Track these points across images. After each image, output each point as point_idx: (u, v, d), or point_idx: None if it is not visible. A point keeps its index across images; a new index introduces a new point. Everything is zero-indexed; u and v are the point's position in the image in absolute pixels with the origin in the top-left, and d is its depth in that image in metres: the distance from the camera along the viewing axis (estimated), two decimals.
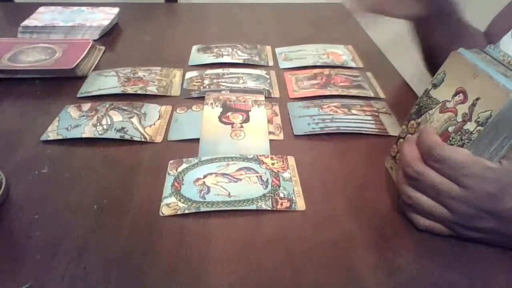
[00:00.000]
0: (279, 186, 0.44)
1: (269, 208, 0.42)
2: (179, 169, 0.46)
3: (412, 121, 0.44)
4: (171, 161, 0.48)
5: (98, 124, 0.53)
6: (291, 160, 0.48)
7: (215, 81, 0.65)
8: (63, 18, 0.83)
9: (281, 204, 0.42)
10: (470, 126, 0.36)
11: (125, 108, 0.57)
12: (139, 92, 0.61)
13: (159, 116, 0.56)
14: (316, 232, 0.39)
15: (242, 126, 0.54)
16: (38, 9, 0.87)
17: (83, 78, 0.65)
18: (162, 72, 0.67)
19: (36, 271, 0.35)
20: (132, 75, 0.66)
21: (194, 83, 0.65)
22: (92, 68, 0.69)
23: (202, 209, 0.41)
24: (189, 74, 0.68)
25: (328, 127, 0.54)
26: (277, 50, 0.78)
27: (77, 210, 0.41)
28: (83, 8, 0.88)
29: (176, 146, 0.51)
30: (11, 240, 0.38)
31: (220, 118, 0.56)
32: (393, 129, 0.54)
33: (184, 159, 0.48)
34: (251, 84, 0.65)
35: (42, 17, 0.84)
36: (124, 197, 0.43)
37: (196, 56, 0.74)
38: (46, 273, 0.35)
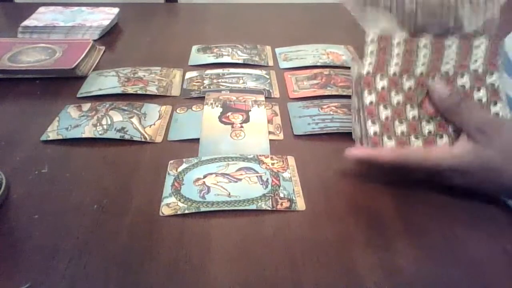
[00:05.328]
0: (279, 186, 0.44)
1: (269, 208, 0.42)
2: (179, 169, 0.46)
3: None
4: (171, 161, 0.48)
5: (98, 124, 0.53)
6: (291, 160, 0.48)
7: (215, 81, 0.65)
8: (63, 18, 0.83)
9: (281, 204, 0.42)
10: None
11: (125, 108, 0.57)
12: (139, 92, 0.61)
13: (159, 116, 0.56)
14: (316, 232, 0.39)
15: (242, 126, 0.54)
16: (38, 9, 0.87)
17: (83, 78, 0.65)
18: (162, 72, 0.67)
19: (36, 271, 0.35)
20: (132, 75, 0.66)
21: (194, 83, 0.65)
22: (92, 68, 0.69)
23: (202, 209, 0.41)
24: (189, 74, 0.68)
25: (328, 127, 0.54)
26: (277, 50, 0.78)
27: (77, 210, 0.41)
28: (83, 8, 0.88)
29: (176, 146, 0.51)
30: (11, 240, 0.38)
31: (220, 118, 0.56)
32: None
33: (184, 159, 0.48)
34: (251, 84, 0.65)
35: (42, 17, 0.84)
36: (124, 197, 0.43)
37: (196, 56, 0.74)
38: (46, 273, 0.35)
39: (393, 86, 0.44)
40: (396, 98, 0.44)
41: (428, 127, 0.43)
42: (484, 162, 0.39)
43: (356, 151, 0.45)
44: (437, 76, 0.44)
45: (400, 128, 0.44)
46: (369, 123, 0.44)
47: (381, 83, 0.44)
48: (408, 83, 0.44)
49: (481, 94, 0.44)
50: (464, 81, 0.44)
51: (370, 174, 0.46)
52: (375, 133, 0.44)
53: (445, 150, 0.42)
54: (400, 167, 0.43)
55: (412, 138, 0.43)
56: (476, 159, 0.39)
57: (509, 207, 0.42)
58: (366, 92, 0.44)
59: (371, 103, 0.44)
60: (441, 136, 0.43)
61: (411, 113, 0.44)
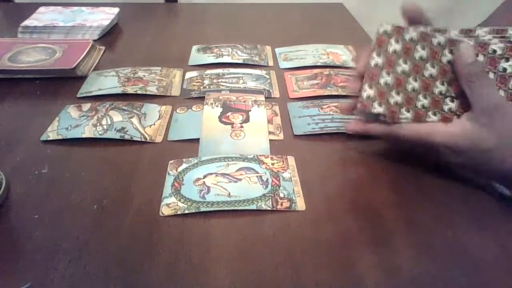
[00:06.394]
0: (279, 186, 0.44)
1: (269, 208, 0.42)
2: (179, 169, 0.46)
3: None
4: (171, 161, 0.48)
5: (98, 124, 0.53)
6: (291, 160, 0.48)
7: (215, 81, 0.65)
8: (63, 18, 0.83)
9: (281, 204, 0.42)
10: None
11: (125, 108, 0.57)
12: (139, 92, 0.61)
13: (159, 116, 0.56)
14: (316, 232, 0.39)
15: (242, 126, 0.54)
16: (38, 9, 0.87)
17: (83, 78, 0.65)
18: (162, 72, 0.67)
19: (36, 271, 0.35)
20: (132, 75, 0.66)
21: (194, 83, 0.65)
22: (92, 68, 0.69)
23: (202, 209, 0.41)
24: (189, 74, 0.68)
25: (328, 127, 0.54)
26: (277, 50, 0.78)
27: (77, 210, 0.41)
28: (83, 8, 0.88)
29: (176, 146, 0.51)
30: (11, 240, 0.38)
31: (220, 118, 0.56)
32: None
33: (184, 159, 0.48)
34: (251, 84, 0.65)
35: (42, 17, 0.84)
36: (124, 197, 0.43)
37: (196, 56, 0.74)
38: (46, 273, 0.35)
39: (431, 58, 0.44)
40: (429, 71, 0.44)
41: (450, 105, 0.44)
42: (478, 143, 0.40)
43: (352, 126, 0.48)
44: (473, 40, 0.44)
45: (422, 102, 0.44)
46: (393, 93, 0.44)
47: (418, 54, 0.44)
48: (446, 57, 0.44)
49: None
50: (509, 64, 0.43)
51: (370, 174, 0.47)
52: (395, 103, 0.44)
53: (438, 126, 0.42)
54: (393, 140, 0.43)
55: (430, 114, 0.44)
56: (471, 138, 0.40)
57: (497, 191, 0.43)
58: (401, 60, 0.44)
59: (403, 71, 0.44)
60: (459, 116, 0.43)
61: (438, 88, 0.44)
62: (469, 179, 0.44)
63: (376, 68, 0.44)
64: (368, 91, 0.45)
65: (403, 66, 0.44)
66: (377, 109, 0.44)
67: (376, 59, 0.44)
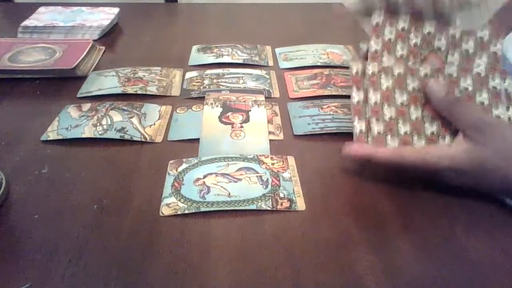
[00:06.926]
0: (279, 186, 0.44)
1: (269, 208, 0.42)
2: (179, 169, 0.46)
3: None
4: (171, 161, 0.48)
5: (98, 124, 0.53)
6: (291, 160, 0.48)
7: (215, 81, 0.65)
8: (63, 18, 0.83)
9: (281, 204, 0.42)
10: None
11: (125, 108, 0.57)
12: (139, 92, 0.61)
13: (159, 116, 0.56)
14: (316, 232, 0.39)
15: (242, 126, 0.54)
16: (38, 9, 0.87)
17: (83, 78, 0.65)
18: (162, 72, 0.67)
19: (36, 271, 0.35)
20: (132, 75, 0.66)
21: (194, 83, 0.65)
22: (92, 68, 0.69)
23: (202, 209, 0.41)
24: (189, 74, 0.68)
25: (328, 127, 0.54)
26: (277, 50, 0.78)
27: (77, 210, 0.41)
28: (83, 8, 0.88)
29: (176, 146, 0.51)
30: (11, 240, 0.38)
31: (220, 118, 0.56)
32: None
33: (184, 159, 0.48)
34: (251, 84, 0.65)
35: (42, 17, 0.84)
36: (124, 197, 0.43)
37: (196, 56, 0.74)
38: (46, 273, 0.35)
39: (398, 86, 0.45)
40: (400, 98, 0.45)
41: (431, 129, 0.44)
42: (480, 162, 0.39)
43: (353, 149, 0.45)
44: (437, 77, 0.44)
45: (404, 128, 0.44)
46: (373, 121, 0.44)
47: (385, 83, 0.45)
48: (412, 84, 0.45)
49: (484, 97, 0.44)
50: (468, 83, 0.44)
51: (370, 174, 0.46)
52: (378, 133, 0.44)
53: (443, 150, 0.42)
54: (396, 166, 0.43)
55: (415, 138, 0.44)
56: (472, 159, 0.40)
57: (507, 206, 0.42)
58: (371, 90, 0.45)
59: (375, 103, 0.45)
60: (444, 138, 0.44)
61: (415, 114, 0.44)
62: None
63: (358, 103, 0.45)
64: (358, 127, 0.45)
65: (376, 96, 0.45)
66: (391, 143, 0.44)
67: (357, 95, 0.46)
